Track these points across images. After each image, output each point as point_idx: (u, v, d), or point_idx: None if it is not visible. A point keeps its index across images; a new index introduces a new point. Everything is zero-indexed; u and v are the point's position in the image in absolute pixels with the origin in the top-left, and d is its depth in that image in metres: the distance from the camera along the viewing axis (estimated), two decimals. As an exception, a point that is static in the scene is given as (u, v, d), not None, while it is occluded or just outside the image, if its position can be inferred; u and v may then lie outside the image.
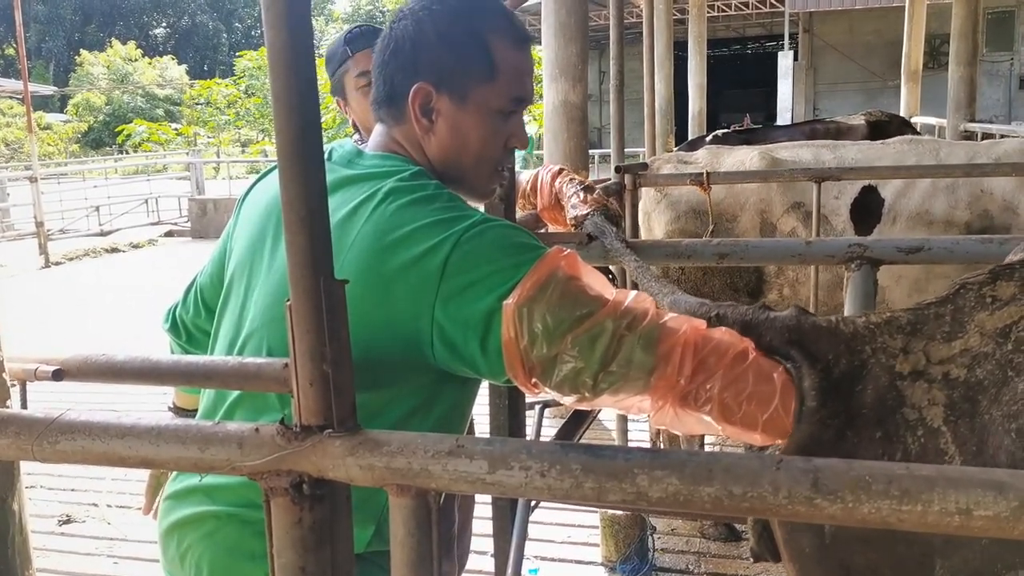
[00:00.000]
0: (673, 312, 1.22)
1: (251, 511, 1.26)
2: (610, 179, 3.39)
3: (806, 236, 3.54)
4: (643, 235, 3.77)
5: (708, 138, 7.67)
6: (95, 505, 4.36)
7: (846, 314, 1.78)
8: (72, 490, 4.54)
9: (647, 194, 3.69)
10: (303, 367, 0.89)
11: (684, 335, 1.10)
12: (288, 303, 0.88)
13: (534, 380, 1.13)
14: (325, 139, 0.99)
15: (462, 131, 1.34)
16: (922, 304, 0.96)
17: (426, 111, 1.33)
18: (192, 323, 1.61)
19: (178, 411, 1.72)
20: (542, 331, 1.09)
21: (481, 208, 1.74)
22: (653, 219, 3.80)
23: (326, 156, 1.37)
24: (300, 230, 0.86)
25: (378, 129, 1.41)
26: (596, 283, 1.16)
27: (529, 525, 3.62)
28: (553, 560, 3.63)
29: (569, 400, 1.14)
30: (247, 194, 1.50)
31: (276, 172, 1.45)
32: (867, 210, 3.59)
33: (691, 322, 1.13)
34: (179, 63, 45.50)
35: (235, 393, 1.32)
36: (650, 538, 3.43)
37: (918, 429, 0.92)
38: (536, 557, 3.62)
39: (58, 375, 1.18)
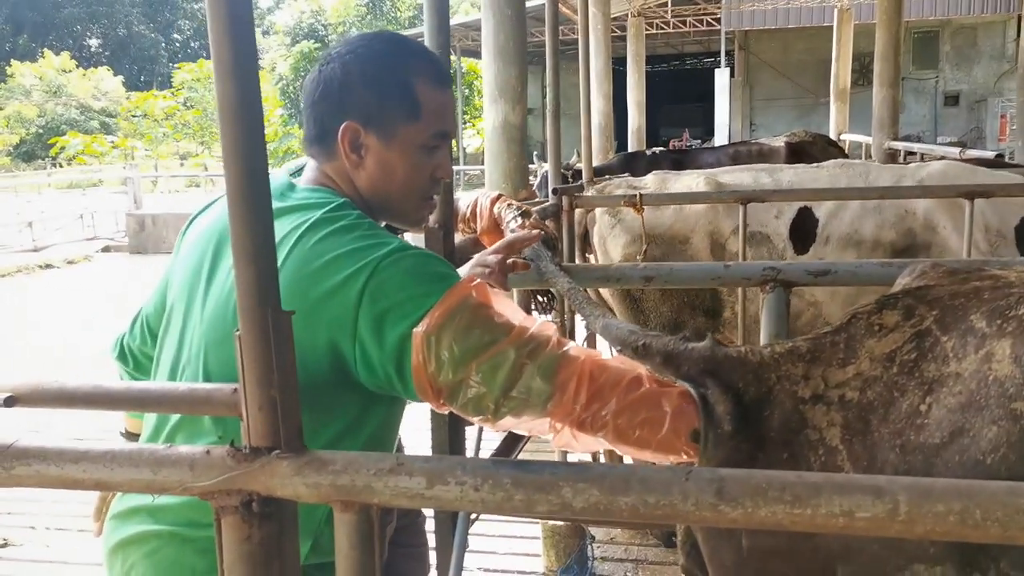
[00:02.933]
0: (604, 337, 1.31)
1: (192, 530, 1.31)
2: (548, 199, 3.48)
3: (752, 256, 3.67)
4: (600, 259, 3.90)
5: (648, 153, 7.90)
6: (33, 528, 4.30)
7: (762, 332, 1.90)
8: (9, 513, 4.47)
9: (601, 219, 3.81)
10: (252, 393, 0.94)
11: (581, 365, 1.19)
12: (237, 333, 0.93)
13: (442, 402, 1.22)
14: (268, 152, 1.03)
15: (389, 166, 1.43)
16: (820, 333, 1.06)
17: (355, 147, 1.41)
18: (139, 351, 1.66)
19: (129, 436, 1.75)
20: (448, 358, 1.17)
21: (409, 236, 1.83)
22: (609, 243, 3.89)
23: None
24: (248, 264, 0.92)
25: (310, 164, 1.49)
26: (505, 311, 1.24)
27: (471, 537, 3.67)
28: (496, 571, 3.70)
29: (475, 421, 1.23)
30: (189, 225, 1.57)
31: (218, 204, 1.52)
32: (804, 231, 3.73)
33: (590, 352, 1.22)
34: (115, 74, 44.51)
35: (175, 418, 1.37)
36: (589, 547, 3.51)
37: (819, 448, 1.02)
38: (479, 568, 3.68)
39: (10, 402, 1.20)
